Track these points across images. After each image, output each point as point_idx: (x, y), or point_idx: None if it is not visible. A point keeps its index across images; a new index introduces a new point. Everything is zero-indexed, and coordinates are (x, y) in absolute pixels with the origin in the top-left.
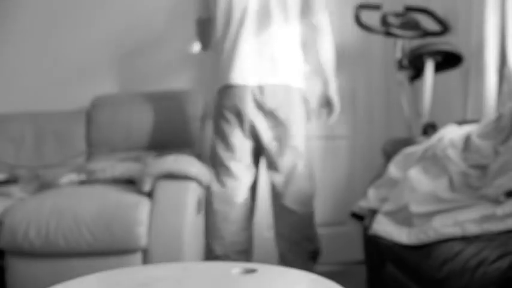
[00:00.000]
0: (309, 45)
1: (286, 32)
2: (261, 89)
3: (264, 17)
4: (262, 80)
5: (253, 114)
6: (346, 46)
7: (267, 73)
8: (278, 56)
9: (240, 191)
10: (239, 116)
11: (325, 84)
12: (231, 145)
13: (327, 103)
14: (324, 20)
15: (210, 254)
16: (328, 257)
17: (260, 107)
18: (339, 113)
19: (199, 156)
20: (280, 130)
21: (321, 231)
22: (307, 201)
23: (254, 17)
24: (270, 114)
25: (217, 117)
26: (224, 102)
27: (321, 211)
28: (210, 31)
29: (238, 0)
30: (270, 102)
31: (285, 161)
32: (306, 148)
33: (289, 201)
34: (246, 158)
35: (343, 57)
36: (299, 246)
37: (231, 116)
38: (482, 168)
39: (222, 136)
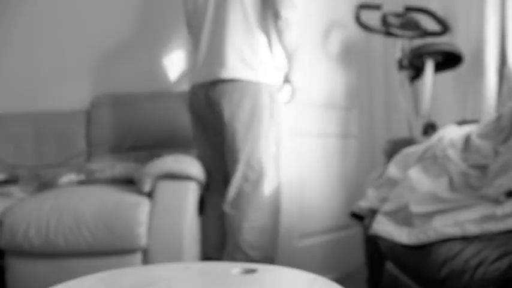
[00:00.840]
0: (273, 32)
1: (243, 27)
2: (213, 86)
3: (220, 17)
4: (213, 76)
5: (205, 112)
6: (347, 46)
7: (219, 70)
8: (232, 52)
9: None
10: (196, 113)
11: (289, 67)
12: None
13: (287, 81)
14: (285, 7)
15: (203, 255)
16: (337, 262)
17: (211, 103)
18: (294, 97)
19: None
20: (225, 129)
21: (331, 236)
22: (247, 206)
23: (211, 17)
24: (218, 110)
25: (190, 119)
26: (189, 104)
27: (330, 215)
28: None
29: (200, 5)
30: (218, 98)
31: (226, 158)
32: (263, 148)
33: (226, 205)
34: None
35: (345, 57)
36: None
37: (194, 116)
38: (482, 168)
39: (195, 135)
